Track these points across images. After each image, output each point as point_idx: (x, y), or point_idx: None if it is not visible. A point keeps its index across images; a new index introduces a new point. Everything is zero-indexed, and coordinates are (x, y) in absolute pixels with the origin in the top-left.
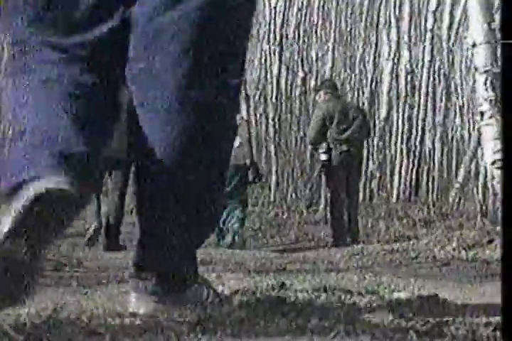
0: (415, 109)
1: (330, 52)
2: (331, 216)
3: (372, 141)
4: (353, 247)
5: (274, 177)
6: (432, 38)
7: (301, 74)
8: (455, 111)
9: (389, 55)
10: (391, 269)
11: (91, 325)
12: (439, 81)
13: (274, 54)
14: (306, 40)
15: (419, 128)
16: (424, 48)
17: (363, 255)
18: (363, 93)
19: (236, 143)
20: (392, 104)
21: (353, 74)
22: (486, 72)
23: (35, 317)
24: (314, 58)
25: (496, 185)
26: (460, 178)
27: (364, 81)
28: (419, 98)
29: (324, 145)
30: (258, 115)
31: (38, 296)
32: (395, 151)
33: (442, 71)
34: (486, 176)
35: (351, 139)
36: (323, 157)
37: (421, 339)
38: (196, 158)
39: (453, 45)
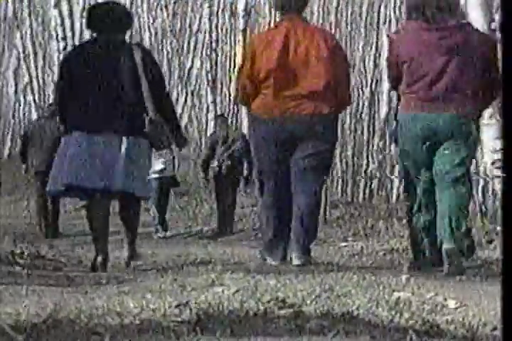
0: None
1: None
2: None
3: (373, 140)
4: (352, 247)
5: None
6: None
7: None
8: None
9: None
10: (391, 269)
11: (90, 325)
12: None
13: None
14: None
15: None
16: None
17: (362, 255)
18: (363, 93)
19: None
20: (392, 104)
21: (352, 74)
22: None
23: (35, 317)
24: None
25: (496, 185)
26: None
27: (364, 81)
28: None
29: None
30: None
31: (38, 296)
32: (395, 151)
33: None
34: (486, 176)
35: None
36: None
37: (421, 339)
38: None
39: None
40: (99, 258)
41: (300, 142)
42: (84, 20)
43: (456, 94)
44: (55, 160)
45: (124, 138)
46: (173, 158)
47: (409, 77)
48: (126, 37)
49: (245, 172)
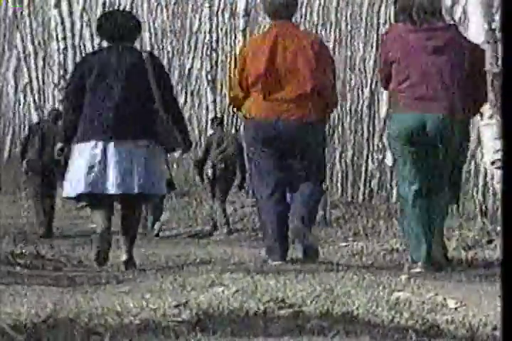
0: None
1: None
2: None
3: (373, 140)
4: (352, 247)
5: None
6: None
7: None
8: None
9: None
10: (391, 269)
11: (90, 325)
12: None
13: None
14: None
15: None
16: None
17: (362, 255)
18: (363, 93)
19: None
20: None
21: (353, 74)
22: (485, 72)
23: (35, 317)
24: None
25: (496, 185)
26: None
27: (364, 81)
28: None
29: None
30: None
31: (38, 296)
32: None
33: None
34: (486, 176)
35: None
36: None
37: (421, 339)
38: None
39: None
40: (101, 254)
41: (288, 145)
42: (84, 22)
43: (444, 94)
44: (69, 166)
45: (139, 142)
46: (166, 160)
47: (398, 76)
48: None
49: (238, 175)
